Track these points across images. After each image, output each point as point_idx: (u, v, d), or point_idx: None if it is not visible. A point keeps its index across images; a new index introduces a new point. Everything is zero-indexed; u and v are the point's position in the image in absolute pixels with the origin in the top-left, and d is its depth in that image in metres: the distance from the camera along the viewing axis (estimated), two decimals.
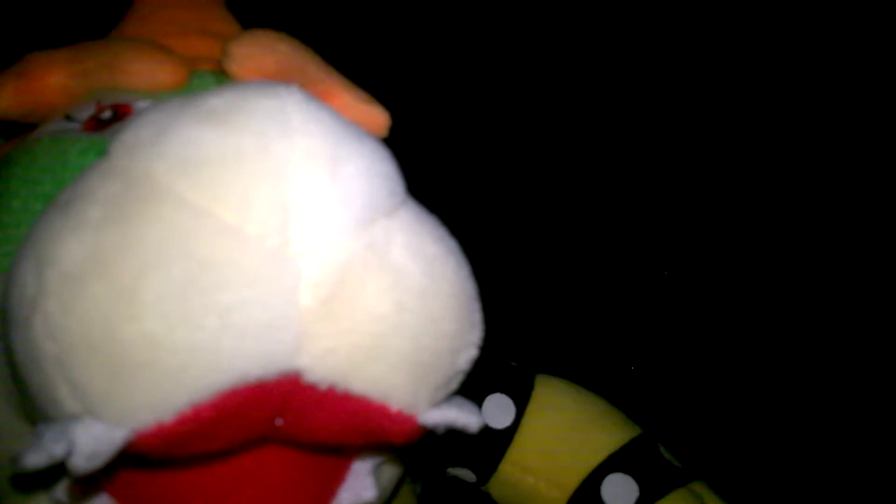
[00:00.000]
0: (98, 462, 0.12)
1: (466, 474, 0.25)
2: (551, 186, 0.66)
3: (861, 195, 0.62)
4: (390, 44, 0.68)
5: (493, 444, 0.24)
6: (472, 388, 0.22)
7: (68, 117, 0.20)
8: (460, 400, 0.16)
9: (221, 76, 0.21)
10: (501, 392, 0.24)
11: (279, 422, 0.14)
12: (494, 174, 0.66)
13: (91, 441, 0.12)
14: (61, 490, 0.15)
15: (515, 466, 0.25)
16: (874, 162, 0.62)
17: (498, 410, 0.24)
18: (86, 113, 0.20)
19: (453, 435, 0.21)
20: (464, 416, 0.15)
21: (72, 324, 0.12)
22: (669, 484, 0.23)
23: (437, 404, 0.15)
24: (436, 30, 0.66)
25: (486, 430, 0.24)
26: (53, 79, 0.21)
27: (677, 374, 0.60)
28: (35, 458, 0.12)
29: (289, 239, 0.13)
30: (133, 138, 0.13)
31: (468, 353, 0.16)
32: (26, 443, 0.13)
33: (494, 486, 0.26)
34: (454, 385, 0.16)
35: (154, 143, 0.13)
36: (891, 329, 0.60)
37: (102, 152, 0.14)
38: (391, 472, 0.19)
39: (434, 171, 0.69)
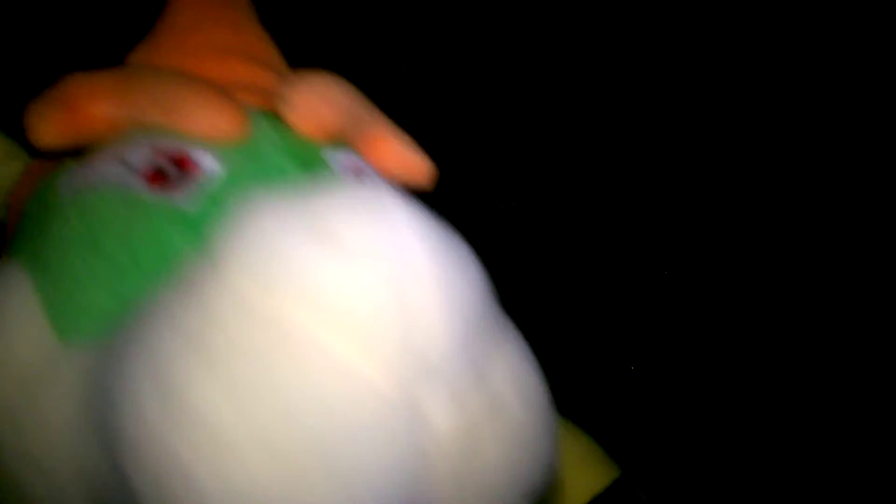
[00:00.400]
0: None
1: None
2: (551, 186, 0.66)
3: (861, 195, 0.62)
4: (390, 44, 0.68)
5: None
6: None
7: (123, 162, 0.19)
8: None
9: (275, 120, 0.20)
10: None
11: None
12: (495, 173, 0.66)
13: None
14: None
15: None
16: (874, 162, 0.62)
17: None
18: (142, 158, 0.19)
19: None
20: None
21: (212, 487, 0.11)
22: None
23: None
24: (435, 30, 0.66)
25: None
26: (100, 109, 0.19)
27: (677, 374, 0.60)
28: None
29: (421, 398, 0.12)
30: (248, 261, 0.12)
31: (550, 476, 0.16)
32: None
33: None
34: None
35: (277, 276, 0.12)
36: (891, 329, 0.60)
37: (174, 220, 0.14)
38: None
39: (438, 169, 0.69)
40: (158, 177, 0.18)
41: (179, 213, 0.16)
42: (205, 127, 0.19)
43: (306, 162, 0.17)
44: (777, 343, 0.61)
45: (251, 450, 0.10)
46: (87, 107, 0.19)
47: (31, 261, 0.18)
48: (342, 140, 0.21)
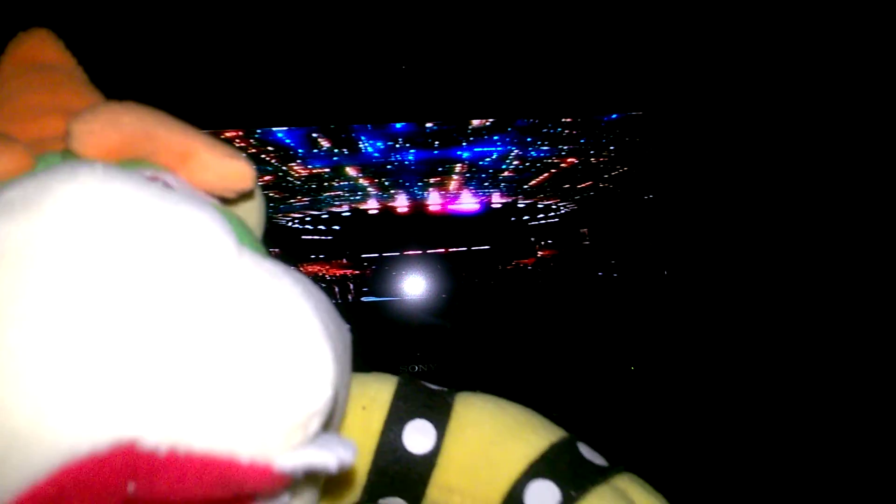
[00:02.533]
0: None
1: (398, 503, 0.25)
2: (553, 185, 0.66)
3: (861, 195, 0.62)
4: (390, 44, 0.68)
5: (418, 469, 0.24)
6: (394, 415, 0.24)
7: None
8: (329, 438, 0.16)
9: (69, 155, 0.22)
10: (421, 417, 0.25)
11: (132, 488, 0.14)
12: (496, 173, 0.66)
13: None
14: None
15: (441, 489, 0.25)
16: (874, 162, 0.62)
17: (419, 436, 0.24)
18: None
19: (381, 457, 0.23)
20: (321, 456, 0.15)
21: None
22: (589, 482, 0.23)
23: (296, 447, 0.15)
24: (435, 30, 0.66)
25: (410, 457, 0.24)
26: None
27: (677, 374, 0.60)
28: None
29: (120, 283, 0.14)
30: None
31: (324, 393, 0.15)
32: None
33: None
34: (314, 426, 0.15)
35: None
36: (891, 329, 0.60)
37: None
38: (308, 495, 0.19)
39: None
40: None
41: None
42: None
43: None
44: (777, 343, 0.61)
45: None
46: None
47: None
48: (145, 158, 0.22)
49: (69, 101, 0.24)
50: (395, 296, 0.89)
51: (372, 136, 0.88)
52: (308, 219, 0.91)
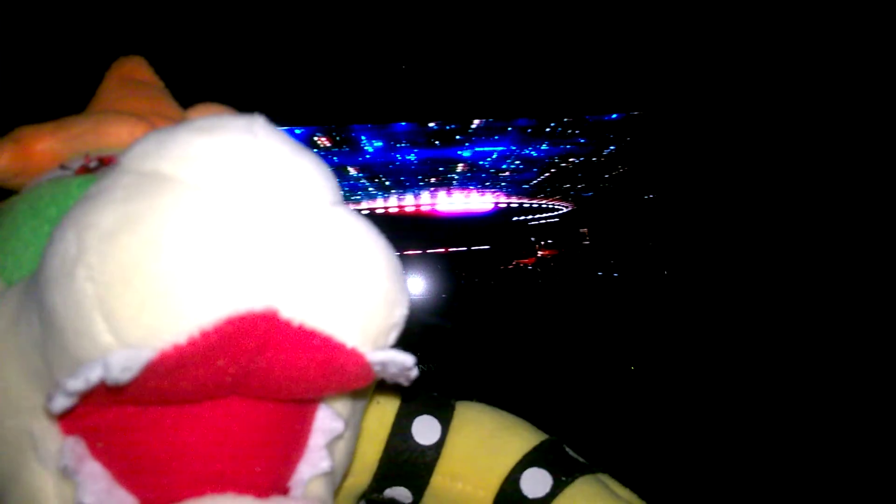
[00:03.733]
0: (129, 374, 0.16)
1: (402, 493, 0.28)
2: (553, 186, 0.66)
3: (861, 195, 0.62)
4: (390, 44, 0.68)
5: (425, 459, 0.28)
6: (404, 410, 0.28)
7: (62, 167, 0.26)
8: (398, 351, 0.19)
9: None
10: (428, 414, 0.28)
11: (261, 361, 0.17)
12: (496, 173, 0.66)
13: (123, 359, 0.15)
14: (65, 452, 0.18)
15: (445, 476, 0.28)
16: (874, 162, 0.62)
17: (426, 429, 0.28)
18: (77, 163, 0.26)
19: (391, 446, 0.27)
20: (401, 357, 0.18)
21: (109, 267, 0.16)
22: (577, 472, 0.27)
23: (380, 348, 0.19)
24: (435, 30, 0.66)
25: (418, 447, 0.28)
26: (43, 144, 0.26)
27: (677, 374, 0.60)
28: (75, 384, 0.15)
29: (274, 203, 0.17)
30: (141, 148, 0.18)
31: (402, 310, 0.19)
32: (39, 418, 0.18)
33: (429, 500, 0.29)
34: (393, 337, 0.19)
35: (158, 149, 0.17)
36: (891, 329, 0.60)
37: (88, 181, 0.19)
38: (343, 449, 0.23)
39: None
40: (85, 169, 0.25)
41: (92, 178, 0.21)
42: (126, 137, 0.26)
43: None
44: (777, 343, 0.61)
45: (141, 249, 0.16)
46: (33, 142, 0.26)
47: None
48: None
49: (164, 110, 0.29)
50: None
51: (372, 136, 0.88)
52: None
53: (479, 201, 0.87)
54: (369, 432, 0.27)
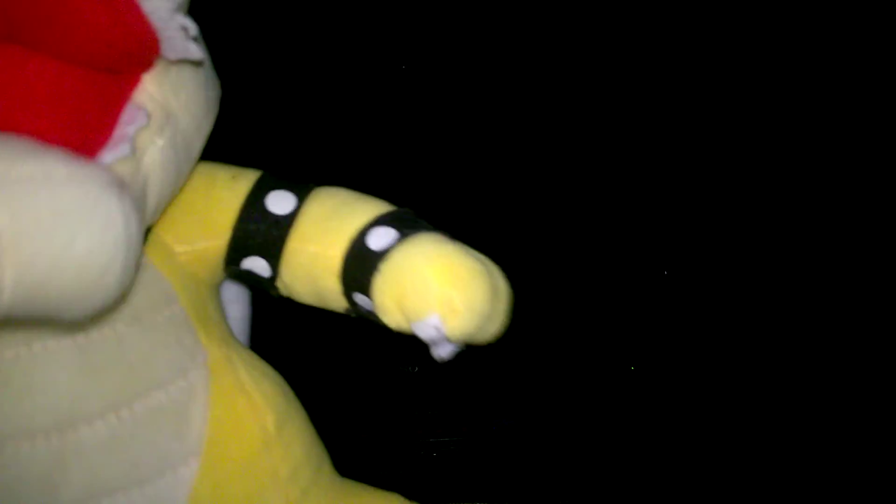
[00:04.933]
0: None
1: (260, 265, 0.30)
2: (552, 186, 0.66)
3: (861, 195, 0.62)
4: (390, 44, 0.68)
5: (279, 227, 0.29)
6: (260, 184, 0.29)
7: None
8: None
9: None
10: (285, 189, 0.29)
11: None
12: (496, 173, 0.66)
13: None
14: None
15: (297, 241, 0.29)
16: (874, 162, 0.62)
17: (280, 201, 0.29)
18: None
19: (245, 215, 0.28)
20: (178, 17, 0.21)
21: None
22: (423, 228, 0.28)
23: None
24: (436, 30, 0.66)
25: (272, 216, 0.29)
26: None
27: (677, 374, 0.60)
28: None
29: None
30: None
31: None
32: None
33: (285, 270, 0.30)
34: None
35: None
36: (891, 329, 0.60)
37: None
38: (157, 159, 0.25)
39: (437, 171, 0.69)
40: None
41: None
42: None
43: None
44: (777, 343, 0.61)
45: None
46: None
47: None
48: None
49: None
50: None
51: None
52: None
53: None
54: (220, 199, 0.29)
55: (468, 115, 0.69)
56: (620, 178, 0.61)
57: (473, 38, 0.63)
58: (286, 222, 0.29)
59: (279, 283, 0.30)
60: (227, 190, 0.29)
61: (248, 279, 0.31)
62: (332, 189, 0.30)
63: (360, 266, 0.27)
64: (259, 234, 0.29)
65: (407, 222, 0.28)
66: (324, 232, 0.28)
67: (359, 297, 0.28)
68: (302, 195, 0.29)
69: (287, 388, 0.31)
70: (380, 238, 0.27)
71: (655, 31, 0.62)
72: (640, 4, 0.62)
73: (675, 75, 0.62)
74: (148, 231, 0.27)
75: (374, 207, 0.29)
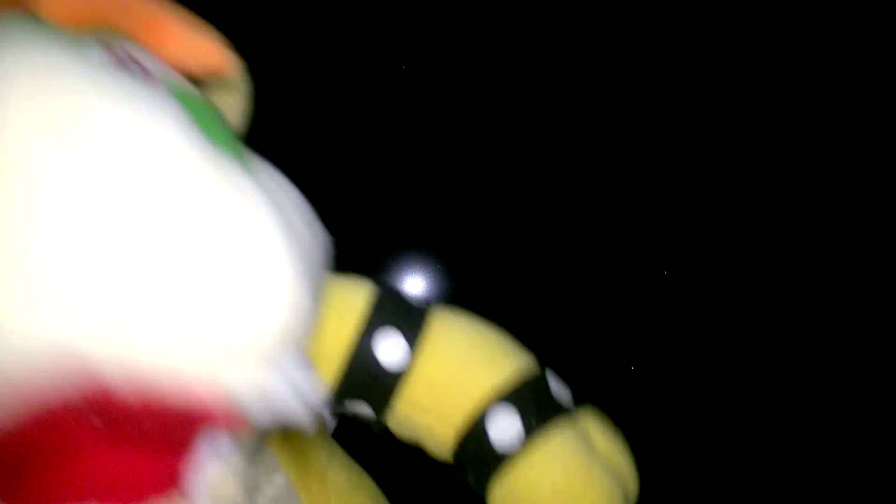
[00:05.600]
0: None
1: (365, 409, 0.26)
2: (553, 185, 0.66)
3: (861, 195, 0.62)
4: (390, 44, 0.68)
5: (387, 382, 0.25)
6: (369, 324, 0.24)
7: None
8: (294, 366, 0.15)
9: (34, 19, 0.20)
10: (396, 330, 0.25)
11: (97, 422, 0.14)
12: (496, 172, 0.66)
13: None
14: None
15: (409, 405, 0.25)
16: (874, 162, 0.62)
17: (391, 347, 0.25)
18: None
19: (346, 375, 0.23)
20: (274, 380, 0.14)
21: None
22: (552, 414, 0.24)
23: (252, 370, 0.14)
24: (436, 30, 0.66)
25: (381, 370, 0.24)
26: None
27: (677, 374, 0.60)
28: None
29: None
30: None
31: (275, 316, 0.14)
32: None
33: (392, 423, 0.27)
34: (277, 348, 0.15)
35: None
36: (891, 329, 0.60)
37: None
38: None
39: (438, 170, 0.69)
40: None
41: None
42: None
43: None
44: (777, 343, 0.61)
45: None
46: None
47: None
48: (113, 29, 0.20)
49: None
50: None
51: None
52: None
53: None
54: (325, 352, 0.24)
55: (468, 115, 0.69)
56: (620, 178, 0.61)
57: (473, 38, 0.63)
58: (397, 377, 0.25)
59: (383, 423, 0.27)
60: (332, 336, 0.24)
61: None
62: (448, 328, 0.26)
63: (477, 456, 0.24)
64: (366, 387, 0.25)
65: (532, 403, 0.25)
66: (439, 403, 0.25)
67: (469, 476, 0.25)
68: (414, 338, 0.25)
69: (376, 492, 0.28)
70: (501, 430, 0.24)
71: (655, 30, 0.62)
72: (640, 4, 0.62)
73: (674, 75, 0.62)
74: None
75: (497, 374, 0.25)
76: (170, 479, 0.16)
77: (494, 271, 0.58)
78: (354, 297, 0.25)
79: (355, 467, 0.29)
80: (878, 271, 0.61)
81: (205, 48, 0.21)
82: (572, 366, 0.63)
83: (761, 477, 0.59)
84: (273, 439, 0.24)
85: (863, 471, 0.59)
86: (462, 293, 0.73)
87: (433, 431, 0.25)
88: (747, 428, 0.60)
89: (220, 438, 0.16)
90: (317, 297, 0.18)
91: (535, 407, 0.24)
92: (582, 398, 0.63)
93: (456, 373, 0.25)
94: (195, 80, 0.21)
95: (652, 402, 0.60)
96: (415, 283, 0.90)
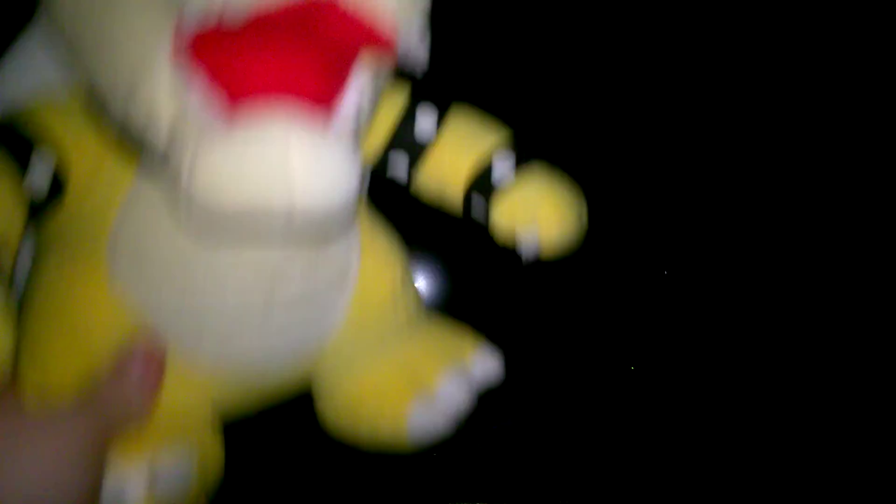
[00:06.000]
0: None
1: (402, 162, 0.37)
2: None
3: (861, 195, 0.62)
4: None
5: (423, 139, 0.37)
6: (408, 102, 0.37)
7: None
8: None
9: None
10: (430, 104, 0.38)
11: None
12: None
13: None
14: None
15: (433, 163, 0.37)
16: (874, 162, 0.62)
17: (426, 117, 0.37)
18: None
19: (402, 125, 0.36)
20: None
21: None
22: (536, 161, 0.37)
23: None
24: (436, 30, 0.66)
25: (417, 130, 0.37)
26: None
27: (677, 374, 0.60)
28: None
29: None
30: None
31: None
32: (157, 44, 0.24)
33: (420, 181, 0.38)
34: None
35: None
36: (891, 329, 0.60)
37: None
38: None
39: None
40: None
41: None
42: None
43: None
44: (777, 343, 0.61)
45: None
46: None
47: None
48: None
49: None
50: None
51: None
52: None
53: None
54: (378, 119, 0.35)
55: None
56: (620, 178, 0.61)
57: (473, 39, 0.63)
58: (431, 136, 0.36)
59: (414, 181, 0.38)
60: (386, 107, 0.35)
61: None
62: (461, 117, 0.38)
63: (482, 187, 0.36)
64: (406, 142, 0.36)
65: (525, 153, 0.37)
66: (459, 150, 0.37)
67: (475, 198, 0.36)
68: (443, 112, 0.37)
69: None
70: (501, 169, 0.35)
71: (655, 30, 0.62)
72: (640, 4, 0.62)
73: (674, 75, 0.62)
74: None
75: (498, 137, 0.37)
76: (331, 94, 0.25)
77: (494, 271, 0.58)
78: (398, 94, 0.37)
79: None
80: (878, 271, 0.61)
81: None
82: (572, 365, 0.63)
83: (761, 477, 0.59)
84: None
85: (863, 471, 0.59)
86: (462, 293, 0.73)
87: (448, 181, 0.37)
88: (747, 428, 0.60)
89: (365, 76, 0.27)
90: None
91: (521, 155, 0.37)
92: (582, 398, 0.63)
93: (470, 133, 0.38)
94: None
95: (652, 402, 0.60)
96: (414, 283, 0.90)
